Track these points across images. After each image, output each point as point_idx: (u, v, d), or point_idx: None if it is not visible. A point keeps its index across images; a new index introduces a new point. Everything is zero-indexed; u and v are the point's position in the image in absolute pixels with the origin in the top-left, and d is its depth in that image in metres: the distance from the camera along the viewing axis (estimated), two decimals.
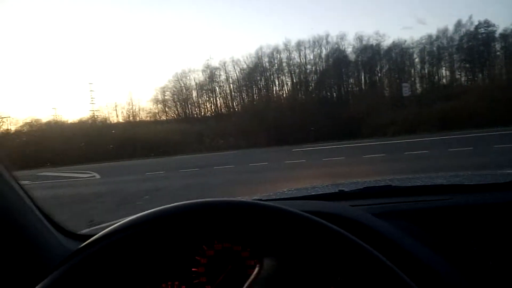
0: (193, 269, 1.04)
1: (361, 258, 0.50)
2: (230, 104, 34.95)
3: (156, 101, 36.03)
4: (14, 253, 0.83)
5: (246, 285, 0.71)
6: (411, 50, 31.15)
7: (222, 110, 34.66)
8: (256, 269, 0.68)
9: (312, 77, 33.04)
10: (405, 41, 30.90)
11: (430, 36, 30.57)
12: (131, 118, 35.27)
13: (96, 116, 33.80)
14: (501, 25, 32.73)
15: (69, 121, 31.65)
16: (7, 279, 0.83)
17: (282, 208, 0.55)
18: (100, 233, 0.58)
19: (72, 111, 56.28)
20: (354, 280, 0.51)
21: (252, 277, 0.70)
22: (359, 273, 0.49)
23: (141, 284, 1.01)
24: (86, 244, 0.57)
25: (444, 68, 31.26)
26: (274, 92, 33.46)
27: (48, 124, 28.46)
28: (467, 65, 30.47)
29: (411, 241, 0.88)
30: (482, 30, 29.44)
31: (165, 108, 35.95)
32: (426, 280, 0.65)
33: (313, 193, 1.34)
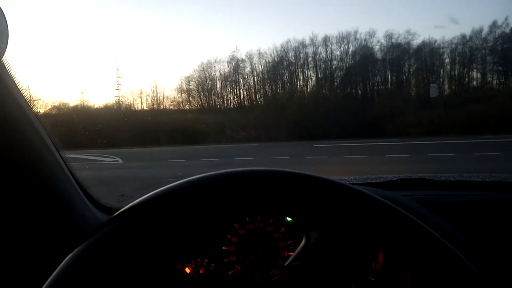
0: (223, 248, 1.05)
1: (426, 241, 0.48)
2: (253, 96, 34.92)
3: (181, 90, 36.33)
4: (51, 218, 0.86)
5: (292, 256, 0.70)
6: (441, 50, 30.34)
7: (245, 102, 34.68)
8: (303, 241, 0.68)
9: (338, 73, 32.64)
10: (436, 40, 30.11)
11: (463, 37, 29.69)
12: (155, 105, 35.71)
13: (121, 102, 34.36)
14: None
15: (95, 106, 32.31)
16: (43, 242, 0.85)
17: (336, 181, 0.54)
18: (130, 204, 0.58)
19: (98, 96, 57.38)
20: (404, 257, 0.49)
21: (298, 249, 0.70)
22: (418, 253, 0.48)
23: (172, 258, 1.02)
24: (117, 214, 0.58)
25: (475, 70, 30.32)
26: (298, 86, 33.23)
27: (75, 108, 29.10)
28: (500, 68, 29.46)
29: (458, 232, 0.86)
30: None
31: (189, 98, 36.20)
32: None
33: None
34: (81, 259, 0.55)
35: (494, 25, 28.93)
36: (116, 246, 0.55)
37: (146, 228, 0.56)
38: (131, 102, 36.50)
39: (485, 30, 29.22)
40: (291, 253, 1.01)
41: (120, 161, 13.36)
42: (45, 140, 0.83)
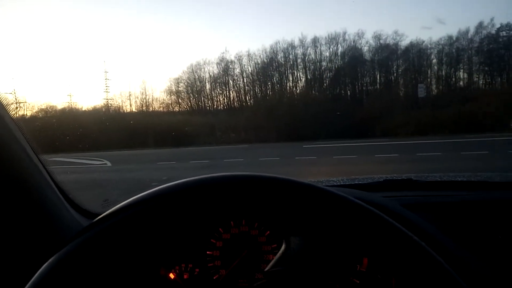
0: (208, 252, 1.03)
1: (402, 242, 0.48)
2: (243, 98, 34.95)
3: (170, 92, 36.21)
4: (30, 224, 0.83)
5: (272, 261, 0.69)
6: (429, 50, 30.74)
7: (235, 103, 34.68)
8: (283, 247, 0.67)
9: (327, 74, 32.84)
10: (424, 41, 30.49)
11: (450, 37, 30.14)
12: (144, 108, 35.53)
13: (110, 105, 34.11)
14: None
15: (83, 109, 31.98)
16: (23, 249, 0.83)
17: (314, 185, 0.53)
18: (113, 208, 0.57)
19: (86, 98, 56.87)
20: (385, 261, 0.49)
21: (279, 254, 0.69)
22: (395, 254, 0.47)
23: (155, 264, 1.00)
24: (99, 219, 0.56)
25: (462, 70, 30.77)
26: (288, 87, 33.35)
27: (63, 110, 28.78)
28: (486, 68, 29.94)
29: (440, 233, 0.86)
30: (503, 33, 28.88)
31: (178, 99, 36.10)
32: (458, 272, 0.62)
33: (331, 183, 1.32)
34: (60, 265, 0.53)
35: (480, 26, 29.44)
36: (97, 252, 0.54)
37: (129, 233, 0.54)
38: (120, 104, 36.28)
39: (471, 31, 29.71)
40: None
41: (109, 164, 13.23)
42: (22, 144, 0.81)
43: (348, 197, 0.52)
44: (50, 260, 0.54)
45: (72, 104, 31.42)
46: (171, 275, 1.03)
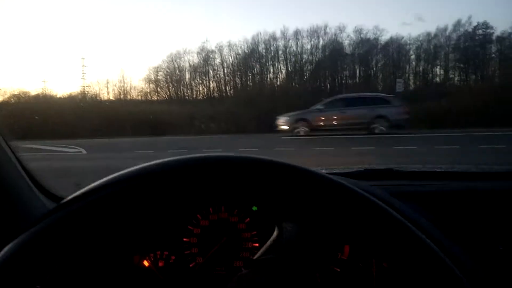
0: (184, 239, 0.99)
1: (392, 226, 0.45)
2: (223, 88, 34.75)
3: (149, 80, 35.64)
4: None
5: (262, 249, 0.66)
6: (407, 46, 31.27)
7: (215, 94, 34.44)
8: (275, 234, 0.63)
9: (308, 66, 32.96)
10: (403, 37, 30.92)
11: (428, 34, 30.67)
12: (122, 96, 34.85)
13: (86, 92, 33.28)
14: (499, 27, 32.94)
15: (58, 95, 31.08)
16: None
17: (312, 170, 0.50)
18: (81, 190, 0.53)
19: (62, 85, 55.30)
20: (380, 249, 0.46)
21: (269, 242, 0.65)
22: (387, 241, 0.45)
23: (129, 251, 0.96)
24: (66, 201, 0.52)
25: (439, 66, 31.44)
26: (268, 79, 33.31)
27: (37, 97, 27.91)
28: (462, 65, 30.66)
29: (426, 222, 0.85)
30: (480, 31, 29.62)
31: (157, 88, 35.59)
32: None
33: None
34: (23, 248, 0.49)
35: (458, 23, 30.06)
36: (61, 235, 0.49)
37: (97, 216, 0.50)
38: (97, 92, 35.47)
39: (449, 28, 30.31)
40: (256, 244, 0.98)
41: (84, 152, 12.93)
42: None
43: (345, 183, 0.49)
44: (12, 243, 0.50)
45: (47, 91, 30.52)
46: (146, 263, 0.99)
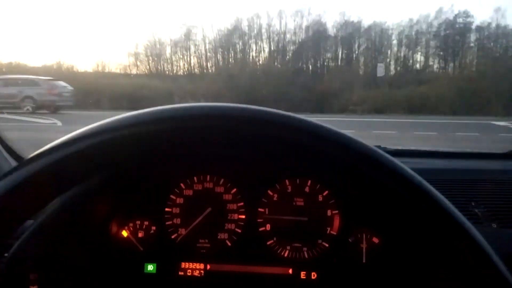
0: (166, 209, 0.94)
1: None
2: (204, 64, 34.13)
3: (128, 53, 34.67)
4: None
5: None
6: (390, 31, 31.32)
7: (196, 70, 33.82)
8: None
9: (290, 47, 32.71)
10: (386, 22, 31.00)
11: (411, 20, 30.80)
12: (100, 68, 33.84)
13: (62, 63, 32.12)
14: (479, 17, 33.41)
15: (30, 65, 29.87)
16: None
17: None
18: (47, 146, 0.46)
19: (35, 55, 53.12)
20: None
21: None
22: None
23: (104, 219, 0.90)
24: (30, 158, 0.45)
25: (419, 53, 31.74)
26: (251, 57, 32.94)
27: (9, 65, 26.79)
28: (441, 52, 31.04)
29: None
30: (460, 20, 29.89)
31: (136, 62, 34.67)
32: None
33: None
34: None
35: (440, 11, 30.25)
36: (24, 193, 0.43)
37: (61, 174, 0.44)
38: (73, 63, 34.32)
39: (432, 15, 30.50)
40: (242, 216, 0.93)
41: (59, 123, 12.57)
42: None
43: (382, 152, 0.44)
44: None
45: (20, 60, 29.29)
46: (124, 233, 0.93)
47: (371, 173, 0.43)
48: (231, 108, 0.45)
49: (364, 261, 0.87)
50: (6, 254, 0.67)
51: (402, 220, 0.43)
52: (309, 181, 0.92)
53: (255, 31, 32.83)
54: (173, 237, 0.93)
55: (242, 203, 0.93)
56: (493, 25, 28.85)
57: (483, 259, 0.40)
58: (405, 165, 0.44)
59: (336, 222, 0.91)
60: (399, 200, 0.42)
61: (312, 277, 0.88)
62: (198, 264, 0.93)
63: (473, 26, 29.90)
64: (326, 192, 0.92)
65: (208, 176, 0.94)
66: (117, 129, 0.45)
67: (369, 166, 0.43)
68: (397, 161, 0.44)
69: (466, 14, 29.67)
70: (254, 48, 33.30)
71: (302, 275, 0.89)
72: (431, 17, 30.52)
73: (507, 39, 28.41)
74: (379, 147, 1.30)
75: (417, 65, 31.81)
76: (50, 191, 0.46)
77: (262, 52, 33.27)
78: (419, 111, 17.81)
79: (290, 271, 0.91)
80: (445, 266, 0.42)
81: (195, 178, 0.94)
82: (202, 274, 0.92)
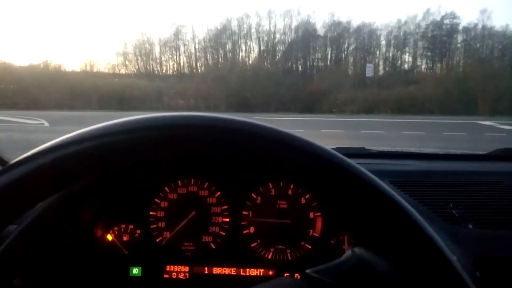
0: (151, 213, 0.95)
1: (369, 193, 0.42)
2: (194, 64, 34.01)
3: (117, 53, 34.38)
4: None
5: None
6: (378, 32, 31.58)
7: (185, 70, 33.69)
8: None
9: (280, 47, 32.76)
10: (375, 22, 31.25)
11: (399, 20, 31.11)
12: (88, 67, 33.46)
13: (49, 62, 31.68)
14: (466, 18, 33.86)
15: (16, 65, 29.39)
16: None
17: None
18: (29, 152, 0.46)
19: (22, 54, 52.31)
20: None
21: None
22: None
23: (89, 223, 0.90)
24: (10, 165, 0.45)
25: (407, 53, 32.05)
26: (240, 57, 32.91)
27: None
28: (429, 53, 31.39)
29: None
30: (447, 21, 30.28)
31: (125, 61, 34.39)
32: None
33: None
34: None
35: (427, 12, 30.62)
36: (8, 199, 0.43)
37: (47, 180, 0.44)
38: (61, 62, 33.90)
39: (419, 16, 30.83)
40: (226, 219, 0.95)
41: (46, 124, 12.42)
42: None
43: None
44: None
45: (6, 61, 28.78)
46: (109, 237, 0.94)
47: (324, 173, 0.44)
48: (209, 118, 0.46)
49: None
50: None
51: (364, 221, 0.44)
52: (292, 184, 0.94)
53: (245, 31, 32.86)
54: (158, 240, 0.94)
55: (226, 206, 0.94)
56: (480, 26, 29.32)
57: (434, 253, 0.42)
58: (352, 161, 0.45)
59: (319, 224, 0.93)
60: (352, 198, 0.43)
61: None
62: (183, 267, 0.94)
63: (460, 27, 30.35)
64: (308, 195, 0.94)
65: (192, 180, 0.95)
66: (102, 136, 0.45)
67: (317, 165, 0.44)
68: (340, 156, 0.45)
69: (453, 16, 30.09)
70: (243, 48, 33.32)
71: (285, 276, 0.90)
72: (419, 18, 30.89)
73: (493, 40, 28.86)
74: (363, 148, 1.33)
75: (405, 66, 32.16)
76: (34, 197, 0.47)
77: (252, 52, 33.31)
78: (407, 111, 18.00)
79: (274, 272, 0.92)
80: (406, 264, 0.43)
81: (179, 182, 0.95)
82: (187, 276, 0.93)
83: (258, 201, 0.95)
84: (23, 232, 0.69)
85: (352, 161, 0.44)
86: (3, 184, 0.43)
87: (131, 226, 0.94)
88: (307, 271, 0.48)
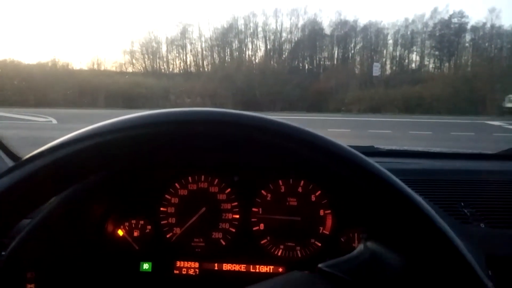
0: (161, 209, 0.95)
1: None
2: (200, 63, 34.10)
3: (124, 51, 34.53)
4: None
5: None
6: (386, 31, 31.42)
7: (192, 68, 33.78)
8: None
9: (286, 45, 32.72)
10: (382, 21, 31.09)
11: (406, 20, 30.96)
12: (95, 66, 33.64)
13: (57, 60, 31.89)
14: (474, 17, 33.55)
15: (25, 63, 29.63)
16: None
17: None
18: (44, 147, 0.46)
19: (30, 53, 52.71)
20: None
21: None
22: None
23: (101, 218, 0.91)
24: (25, 160, 0.45)
25: (415, 52, 31.87)
26: (247, 56, 32.94)
27: (3, 62, 26.58)
28: (437, 52, 31.18)
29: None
30: (455, 20, 30.09)
31: (132, 60, 34.56)
32: None
33: None
34: None
35: (435, 11, 30.42)
36: (20, 193, 0.44)
37: (60, 175, 0.44)
38: (69, 61, 34.13)
39: (427, 15, 30.63)
40: (236, 216, 0.95)
41: (54, 121, 12.52)
42: None
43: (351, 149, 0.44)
44: None
45: (14, 59, 29.02)
46: (120, 232, 0.94)
47: (337, 169, 0.43)
48: (223, 113, 0.46)
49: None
50: (3, 253, 0.68)
51: (379, 217, 0.44)
52: (302, 181, 0.94)
53: (251, 30, 32.86)
54: (168, 236, 0.94)
55: (236, 203, 0.94)
56: (488, 25, 29.08)
57: (450, 250, 0.41)
58: (369, 159, 0.44)
59: (329, 221, 0.92)
60: (363, 192, 0.43)
61: None
62: (193, 262, 0.94)
63: (468, 26, 30.11)
64: (318, 192, 0.93)
65: (203, 176, 0.95)
66: (114, 131, 0.46)
67: (330, 160, 0.43)
68: (356, 152, 0.44)
69: (461, 15, 29.87)
70: (250, 47, 33.33)
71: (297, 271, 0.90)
72: (427, 17, 30.70)
73: (502, 39, 28.59)
74: (372, 147, 1.33)
75: (413, 65, 31.98)
76: (47, 192, 0.47)
77: (258, 50, 33.31)
78: (414, 110, 17.90)
79: (283, 269, 0.92)
80: (420, 262, 0.43)
81: (189, 178, 0.95)
82: (197, 272, 0.94)
83: (268, 198, 0.95)
84: (36, 227, 0.70)
85: (367, 158, 0.44)
86: (17, 178, 0.44)
87: (141, 222, 0.95)
88: (319, 265, 0.47)
